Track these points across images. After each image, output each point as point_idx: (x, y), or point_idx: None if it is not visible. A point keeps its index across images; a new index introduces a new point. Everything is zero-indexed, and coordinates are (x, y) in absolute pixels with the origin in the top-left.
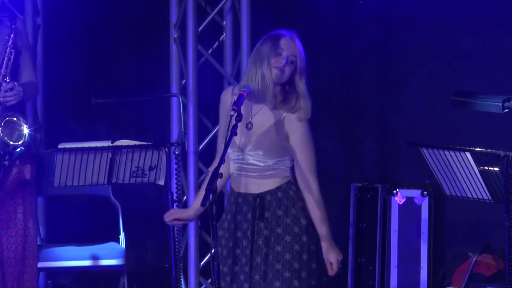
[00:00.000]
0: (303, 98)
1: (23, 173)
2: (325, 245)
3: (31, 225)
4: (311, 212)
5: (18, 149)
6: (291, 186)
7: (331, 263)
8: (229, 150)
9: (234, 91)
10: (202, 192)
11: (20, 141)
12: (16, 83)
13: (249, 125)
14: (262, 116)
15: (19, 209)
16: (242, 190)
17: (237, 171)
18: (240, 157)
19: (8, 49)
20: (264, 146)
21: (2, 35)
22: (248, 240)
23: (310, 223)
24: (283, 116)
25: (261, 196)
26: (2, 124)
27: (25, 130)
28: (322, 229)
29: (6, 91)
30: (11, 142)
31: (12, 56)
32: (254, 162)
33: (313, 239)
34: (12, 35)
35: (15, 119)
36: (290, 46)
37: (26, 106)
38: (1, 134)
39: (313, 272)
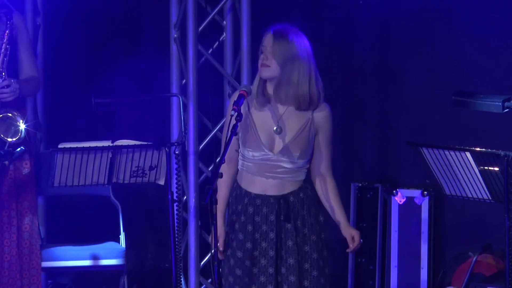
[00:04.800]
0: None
1: (21, 170)
2: (345, 223)
3: (27, 221)
4: (334, 202)
5: (18, 149)
6: (307, 185)
7: (352, 238)
8: (250, 151)
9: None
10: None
11: (16, 136)
12: (13, 80)
13: (278, 129)
14: (290, 118)
15: (15, 208)
16: (260, 192)
17: (255, 172)
18: (267, 158)
19: (3, 45)
20: (300, 147)
21: None
22: (269, 242)
23: (327, 219)
24: (311, 114)
25: (284, 197)
26: None
27: (22, 125)
28: (342, 212)
29: (2, 88)
30: (8, 139)
31: (8, 53)
32: (284, 164)
33: (326, 233)
34: (7, 32)
35: (10, 114)
36: (267, 39)
37: (27, 106)
38: None
39: (329, 266)
